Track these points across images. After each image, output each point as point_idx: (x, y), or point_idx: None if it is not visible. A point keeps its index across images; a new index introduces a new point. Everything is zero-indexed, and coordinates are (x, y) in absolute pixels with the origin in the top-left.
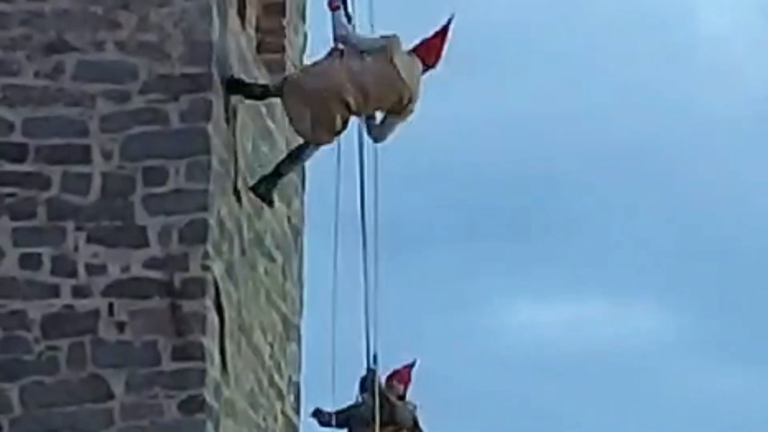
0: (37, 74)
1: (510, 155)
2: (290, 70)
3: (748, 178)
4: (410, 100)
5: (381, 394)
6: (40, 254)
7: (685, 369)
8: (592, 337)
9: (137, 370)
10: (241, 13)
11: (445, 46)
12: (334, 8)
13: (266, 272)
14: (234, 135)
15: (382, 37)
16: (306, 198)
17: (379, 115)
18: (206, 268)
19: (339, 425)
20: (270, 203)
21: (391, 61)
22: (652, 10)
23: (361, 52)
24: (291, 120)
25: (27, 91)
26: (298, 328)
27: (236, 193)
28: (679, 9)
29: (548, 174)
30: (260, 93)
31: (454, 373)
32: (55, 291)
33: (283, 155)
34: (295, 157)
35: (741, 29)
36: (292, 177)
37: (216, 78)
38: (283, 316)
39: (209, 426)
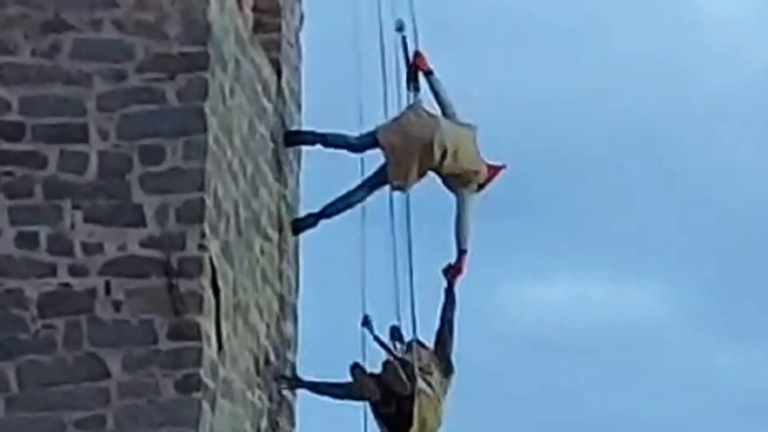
0: (33, 53)
1: (512, 134)
2: (286, 49)
3: (752, 158)
4: (477, 180)
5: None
6: (36, 233)
7: (687, 346)
8: (595, 315)
9: (134, 349)
10: None
11: (492, 182)
12: (428, 72)
13: (262, 252)
14: (231, 114)
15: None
16: (302, 177)
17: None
18: (203, 247)
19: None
20: (296, 233)
21: (474, 139)
22: None
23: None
24: (388, 159)
25: (24, 69)
26: (294, 308)
27: (232, 172)
28: None
29: (551, 153)
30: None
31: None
32: (52, 270)
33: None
34: (347, 200)
35: (745, 9)
36: (287, 155)
37: (213, 57)
38: (279, 296)
39: (205, 405)
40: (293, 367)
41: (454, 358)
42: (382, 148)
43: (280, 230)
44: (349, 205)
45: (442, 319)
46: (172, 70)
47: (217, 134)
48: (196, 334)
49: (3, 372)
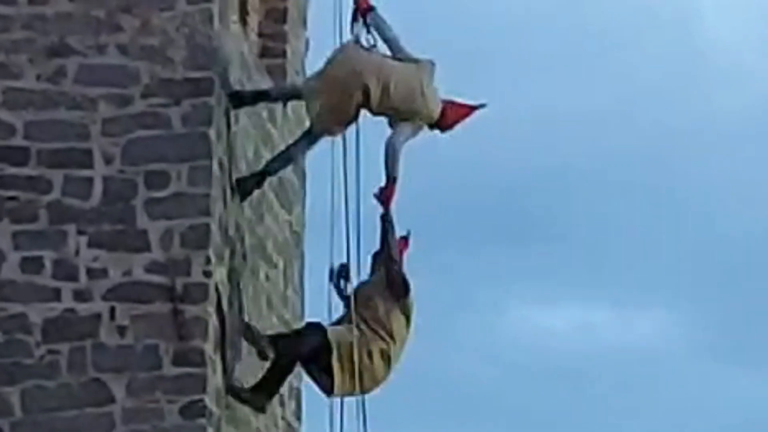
0: (39, 77)
1: (519, 160)
2: (292, 75)
3: (757, 185)
4: (421, 118)
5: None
6: (41, 258)
7: (690, 372)
8: (598, 341)
9: (138, 375)
10: (243, 18)
11: (462, 122)
12: (369, 8)
13: (267, 278)
14: (236, 140)
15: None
16: (308, 204)
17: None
18: (208, 273)
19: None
20: (243, 196)
21: (419, 76)
22: (659, 14)
23: (393, 57)
24: (306, 107)
25: (29, 94)
26: None
27: (237, 198)
28: (686, 13)
29: (557, 181)
30: (267, 97)
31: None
32: (56, 294)
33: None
34: (286, 154)
35: (748, 33)
36: (293, 182)
37: (217, 83)
38: (285, 322)
39: None
40: (298, 394)
41: (407, 278)
42: (303, 94)
43: (286, 256)
44: (290, 160)
45: (382, 244)
46: (177, 96)
47: (222, 160)
48: (201, 360)
49: (7, 397)
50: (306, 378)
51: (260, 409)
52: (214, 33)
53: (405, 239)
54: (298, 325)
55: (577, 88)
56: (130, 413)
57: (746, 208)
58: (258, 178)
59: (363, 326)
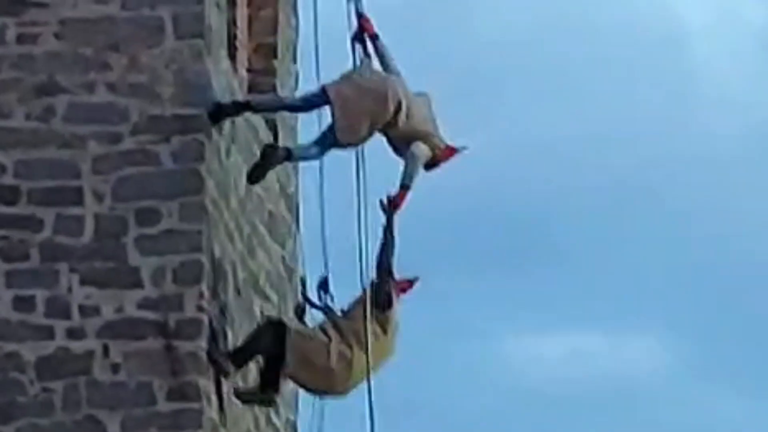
0: (28, 116)
1: (510, 190)
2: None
3: (748, 211)
4: (432, 144)
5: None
6: (33, 296)
7: (685, 397)
8: (592, 368)
9: (133, 411)
10: (232, 54)
11: (445, 163)
12: (374, 36)
13: (261, 312)
14: (227, 175)
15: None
16: (300, 238)
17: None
18: (201, 308)
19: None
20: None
21: (429, 105)
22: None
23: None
24: (339, 113)
25: (18, 133)
26: None
27: (229, 233)
28: (674, 37)
29: (548, 208)
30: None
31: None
32: (49, 333)
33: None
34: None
35: (736, 58)
36: (285, 216)
37: (207, 119)
38: None
39: None
40: (294, 426)
41: (393, 299)
42: (331, 104)
43: (279, 291)
44: (296, 157)
45: (380, 259)
46: (167, 132)
47: (214, 195)
48: (196, 395)
49: None
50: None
51: (269, 403)
52: (203, 69)
53: (410, 282)
54: None
55: (568, 114)
56: None
57: (735, 234)
58: (239, 108)
59: (332, 331)
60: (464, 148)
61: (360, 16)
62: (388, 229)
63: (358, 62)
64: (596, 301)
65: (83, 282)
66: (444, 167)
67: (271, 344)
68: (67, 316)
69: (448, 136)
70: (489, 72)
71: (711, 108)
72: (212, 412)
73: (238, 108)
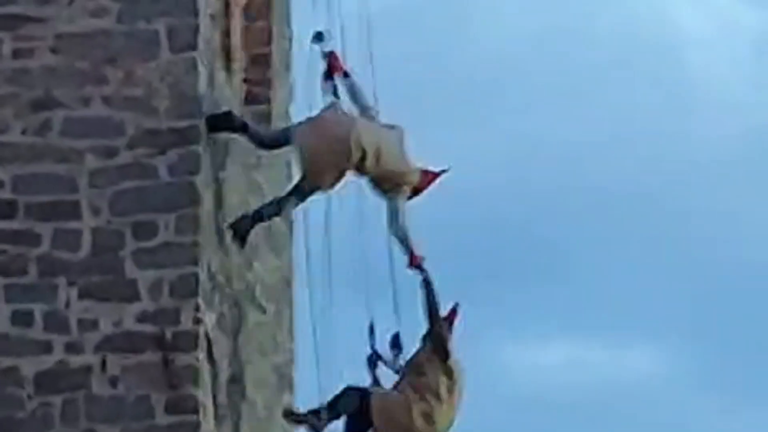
0: (24, 131)
1: (510, 199)
2: (276, 121)
3: (746, 221)
4: (406, 183)
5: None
6: (32, 311)
7: (685, 407)
8: (592, 377)
9: (131, 425)
10: (227, 66)
11: (429, 188)
12: (344, 74)
13: (258, 324)
14: (223, 187)
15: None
16: (295, 249)
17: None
18: (198, 321)
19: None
20: (242, 243)
21: (400, 140)
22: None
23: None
24: (303, 160)
25: (15, 148)
26: (290, 379)
27: (225, 245)
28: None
29: (547, 220)
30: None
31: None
32: (47, 347)
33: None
34: (277, 205)
35: (733, 64)
36: (282, 228)
37: (203, 131)
38: (276, 367)
39: None
40: None
41: (450, 346)
42: (295, 147)
43: (276, 302)
44: (282, 209)
45: (430, 312)
46: (163, 145)
47: (210, 208)
48: (193, 407)
49: None
50: None
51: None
52: (198, 81)
53: (454, 310)
54: (289, 370)
55: (566, 122)
56: None
57: (737, 243)
58: (250, 222)
59: (409, 390)
60: (444, 171)
61: (329, 54)
62: (427, 281)
63: (326, 104)
64: (595, 309)
65: (81, 296)
66: (442, 175)
67: (355, 407)
68: (66, 330)
69: (448, 137)
70: (488, 78)
71: (709, 112)
72: (209, 425)
73: (236, 125)
